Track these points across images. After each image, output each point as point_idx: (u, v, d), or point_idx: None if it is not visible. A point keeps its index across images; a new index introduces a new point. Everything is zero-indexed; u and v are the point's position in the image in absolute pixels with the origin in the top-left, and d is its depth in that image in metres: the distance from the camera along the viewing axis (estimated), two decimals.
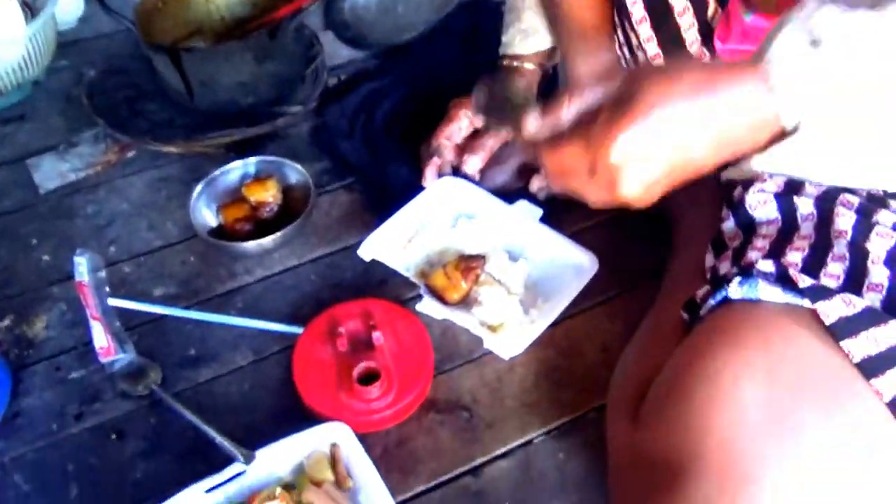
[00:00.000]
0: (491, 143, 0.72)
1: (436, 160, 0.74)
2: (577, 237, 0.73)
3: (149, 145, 0.85)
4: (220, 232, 0.79)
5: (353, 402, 0.62)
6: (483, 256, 0.70)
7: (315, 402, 0.62)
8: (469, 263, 0.69)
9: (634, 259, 0.75)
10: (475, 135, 0.77)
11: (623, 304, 0.72)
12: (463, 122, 0.74)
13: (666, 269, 0.71)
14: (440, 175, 0.74)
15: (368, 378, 0.62)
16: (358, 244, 0.73)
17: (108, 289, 0.73)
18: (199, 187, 0.79)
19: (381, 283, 0.74)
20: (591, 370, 0.68)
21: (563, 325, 0.70)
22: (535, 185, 0.76)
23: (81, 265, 0.72)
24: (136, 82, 0.92)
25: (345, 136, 0.86)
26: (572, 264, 0.72)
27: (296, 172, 0.82)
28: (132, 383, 0.67)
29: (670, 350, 0.57)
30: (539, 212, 0.75)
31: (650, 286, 0.71)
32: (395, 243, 0.73)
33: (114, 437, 0.65)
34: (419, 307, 0.69)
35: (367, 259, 0.71)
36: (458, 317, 0.67)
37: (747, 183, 0.60)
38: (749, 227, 0.60)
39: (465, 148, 0.76)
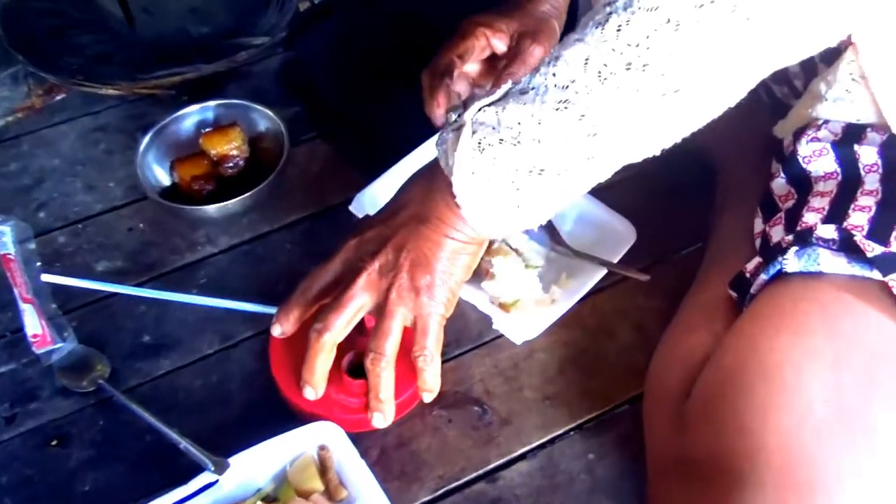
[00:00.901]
0: (522, 73, 0.68)
1: (447, 83, 0.70)
2: (603, 196, 0.73)
3: (81, 87, 0.84)
4: (174, 193, 0.78)
5: (343, 398, 0.62)
6: None
7: (298, 396, 0.61)
8: None
9: (672, 221, 0.76)
10: (492, 63, 0.73)
11: (661, 274, 0.72)
12: (480, 41, 0.71)
13: (710, 234, 0.71)
14: (451, 107, 0.70)
15: (361, 369, 0.61)
16: (343, 205, 0.74)
17: (39, 263, 0.73)
18: (146, 139, 0.79)
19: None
20: (625, 354, 0.68)
21: (590, 300, 0.70)
22: None
23: (5, 235, 0.72)
24: (64, 8, 0.91)
25: (323, 72, 0.86)
26: (604, 233, 0.71)
27: (265, 119, 0.81)
28: (74, 378, 0.67)
29: (718, 333, 0.58)
30: None
31: (692, 254, 0.71)
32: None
33: (54, 443, 0.64)
34: None
35: (361, 216, 0.71)
36: (464, 291, 0.66)
37: (799, 131, 0.61)
38: (803, 183, 0.60)
39: (482, 77, 0.74)
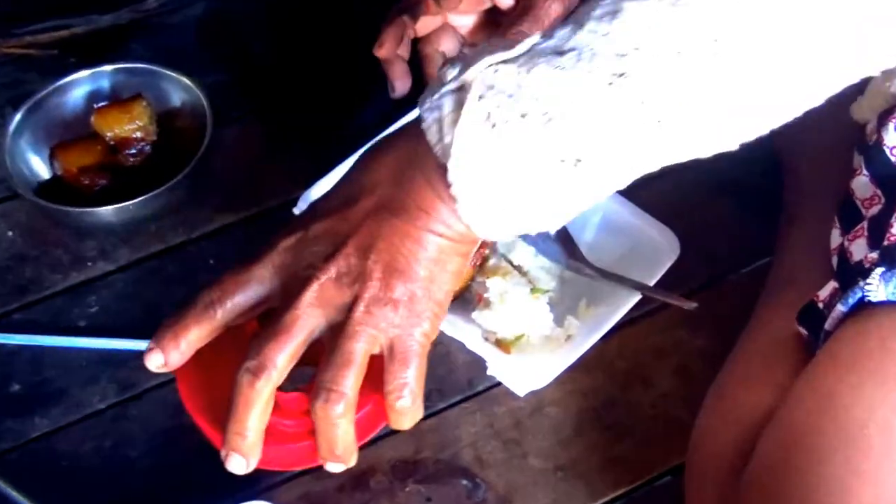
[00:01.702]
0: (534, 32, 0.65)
1: (406, 22, 0.70)
2: (635, 195, 0.70)
3: None
4: (56, 189, 0.76)
5: (276, 420, 0.56)
6: None
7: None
8: None
9: (727, 230, 0.75)
10: (491, 18, 0.73)
11: (711, 302, 0.71)
12: None
13: (776, 250, 0.71)
14: (447, 60, 0.67)
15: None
16: (285, 207, 0.73)
17: None
18: (17, 116, 0.77)
19: None
20: (664, 409, 0.67)
21: (617, 336, 0.69)
22: None
23: None
24: None
25: (259, 27, 0.86)
26: (637, 245, 0.70)
27: (180, 89, 0.79)
28: None
29: (783, 384, 0.58)
30: None
31: (754, 274, 0.70)
32: None
33: None
34: None
35: None
36: (448, 324, 0.66)
37: (885, 113, 0.61)
38: (892, 182, 0.60)
39: (475, 33, 0.73)
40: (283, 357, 0.51)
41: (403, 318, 0.51)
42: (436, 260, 0.51)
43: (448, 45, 0.70)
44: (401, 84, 0.73)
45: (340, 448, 0.52)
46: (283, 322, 0.51)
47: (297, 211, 0.70)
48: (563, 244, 0.70)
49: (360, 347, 0.51)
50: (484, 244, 0.68)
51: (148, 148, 0.76)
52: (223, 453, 0.53)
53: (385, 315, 0.51)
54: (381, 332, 0.51)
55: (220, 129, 0.78)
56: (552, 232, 0.55)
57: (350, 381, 0.51)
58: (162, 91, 0.79)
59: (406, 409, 0.53)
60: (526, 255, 0.70)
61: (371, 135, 0.71)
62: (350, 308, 0.51)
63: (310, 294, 0.51)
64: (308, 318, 0.51)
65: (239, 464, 0.53)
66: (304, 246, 0.52)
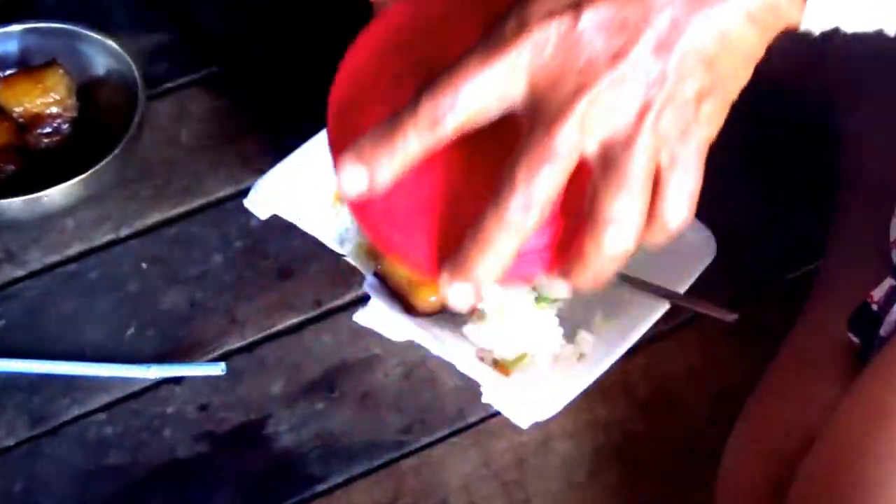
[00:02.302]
0: None
1: None
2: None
3: None
4: None
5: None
6: None
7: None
8: None
9: (773, 226, 0.75)
10: None
11: (754, 313, 0.70)
12: None
13: (827, 250, 0.71)
14: None
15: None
16: (233, 199, 0.74)
17: None
18: None
19: (284, 272, 0.73)
20: (699, 444, 0.67)
21: (641, 354, 0.69)
22: None
23: None
24: None
25: None
26: (667, 246, 0.69)
27: (105, 54, 0.78)
28: None
29: (829, 399, 0.58)
30: None
31: (804, 280, 0.70)
32: (317, 191, 0.71)
33: None
34: (359, 317, 0.68)
35: (263, 216, 0.70)
36: (436, 339, 0.65)
37: None
38: None
39: None
40: (550, 188, 0.49)
41: (692, 126, 0.49)
42: (746, 55, 0.49)
43: None
44: None
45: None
46: (544, 145, 0.48)
47: (248, 204, 0.69)
48: None
49: (643, 168, 0.49)
50: None
51: (65, 126, 0.75)
52: (450, 273, 0.50)
53: (676, 123, 0.50)
54: (666, 145, 0.50)
55: (153, 104, 0.78)
56: None
57: (637, 206, 0.49)
58: (82, 56, 0.78)
59: (674, 229, 0.51)
60: None
61: None
62: (633, 121, 0.49)
63: (582, 105, 0.48)
64: (576, 137, 0.49)
65: (463, 294, 0.51)
66: (575, 41, 0.49)
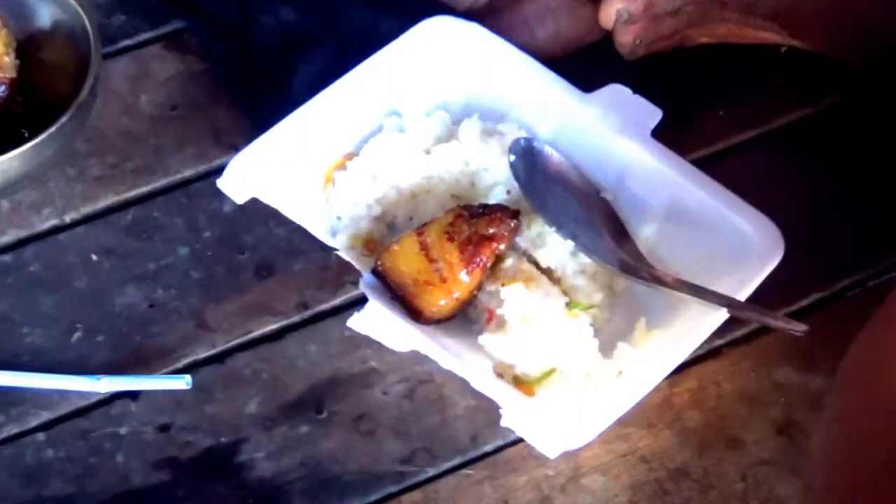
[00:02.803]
0: None
1: None
2: (718, 172, 0.71)
3: None
4: None
5: None
6: (514, 214, 0.68)
7: None
8: (479, 228, 0.67)
9: (852, 224, 0.75)
10: None
11: (829, 326, 0.68)
12: None
13: None
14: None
15: None
16: (203, 178, 0.75)
17: None
18: None
19: (263, 268, 0.72)
20: (760, 481, 0.66)
21: (692, 371, 0.69)
22: (627, 36, 0.77)
23: None
24: None
25: None
26: (719, 241, 0.70)
27: (50, 4, 0.78)
28: None
29: None
30: (656, 114, 0.74)
31: (885, 288, 0.70)
32: (304, 171, 0.72)
33: None
34: (354, 322, 0.68)
35: (239, 201, 0.70)
36: (448, 352, 0.65)
37: None
38: None
39: None
40: None
41: None
42: None
43: None
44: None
45: None
46: None
47: (221, 186, 0.69)
48: (615, 238, 0.70)
49: None
50: (500, 246, 0.67)
51: (3, 89, 0.74)
52: None
53: None
54: None
55: (108, 63, 0.78)
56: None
57: None
58: (24, 5, 0.77)
59: None
60: (560, 254, 0.69)
61: (326, 80, 0.73)
62: None
63: None
64: None
65: None
66: None
